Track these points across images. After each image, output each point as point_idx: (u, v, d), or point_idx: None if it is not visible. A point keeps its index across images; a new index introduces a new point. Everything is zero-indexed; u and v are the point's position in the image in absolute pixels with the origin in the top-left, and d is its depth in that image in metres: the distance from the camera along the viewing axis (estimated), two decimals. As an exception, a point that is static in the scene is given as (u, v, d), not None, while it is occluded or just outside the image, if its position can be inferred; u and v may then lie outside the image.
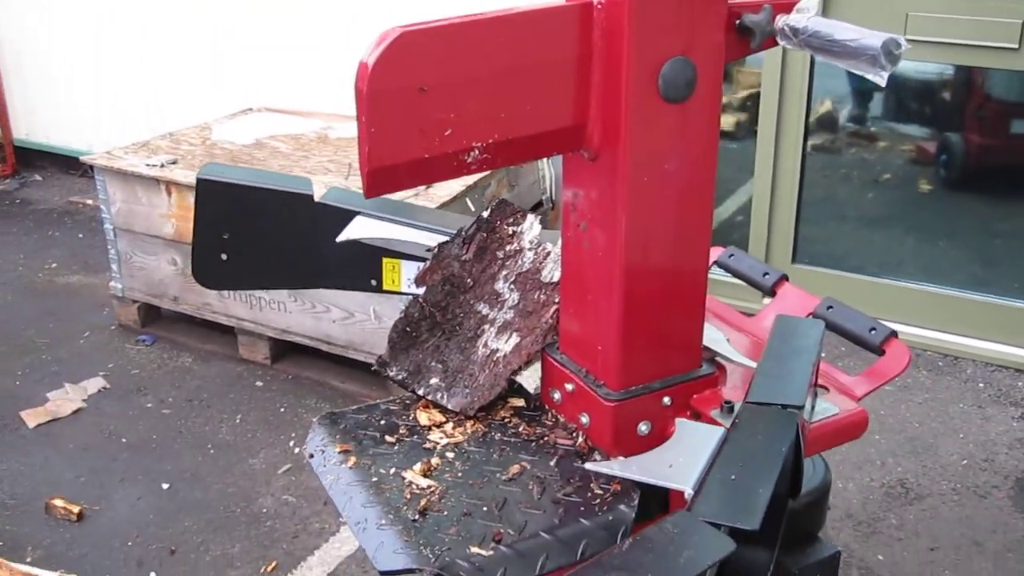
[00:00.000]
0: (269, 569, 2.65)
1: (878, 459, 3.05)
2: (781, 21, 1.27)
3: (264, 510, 2.88)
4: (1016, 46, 3.27)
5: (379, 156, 1.12)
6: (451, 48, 1.13)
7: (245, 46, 4.67)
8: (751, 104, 3.84)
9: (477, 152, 1.18)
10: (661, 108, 1.21)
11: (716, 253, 1.72)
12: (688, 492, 1.05)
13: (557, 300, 1.42)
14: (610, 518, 1.21)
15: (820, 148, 4.05)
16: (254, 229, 1.64)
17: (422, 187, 3.34)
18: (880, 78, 1.17)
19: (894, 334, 1.45)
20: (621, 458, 1.25)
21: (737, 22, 1.27)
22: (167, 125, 4.42)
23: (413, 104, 1.11)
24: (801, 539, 1.57)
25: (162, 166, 3.57)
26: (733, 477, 0.95)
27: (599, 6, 1.18)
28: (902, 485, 2.93)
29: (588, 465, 1.22)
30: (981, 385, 3.43)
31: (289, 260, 1.66)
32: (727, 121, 4.12)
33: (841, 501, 2.86)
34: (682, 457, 1.13)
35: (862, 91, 4.07)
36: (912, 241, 3.98)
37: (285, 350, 3.62)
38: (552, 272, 1.45)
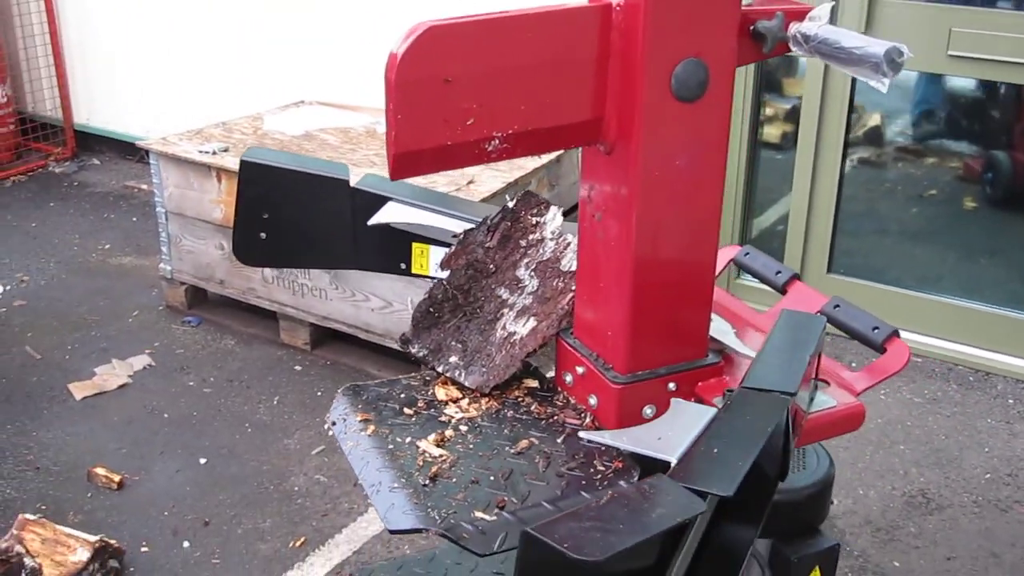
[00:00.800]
0: (298, 544, 2.75)
1: (901, 468, 3.08)
2: (793, 28, 1.32)
3: (296, 488, 2.97)
4: (1059, 65, 3.28)
5: (404, 142, 1.20)
6: (476, 43, 1.20)
7: (300, 40, 4.79)
8: (796, 116, 3.87)
9: (497, 141, 1.25)
10: (673, 106, 1.27)
11: (733, 251, 1.78)
12: (673, 463, 1.12)
13: (573, 288, 1.48)
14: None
15: (866, 161, 4.07)
16: (292, 211, 1.72)
17: (464, 182, 3.42)
18: (882, 84, 1.23)
19: (896, 333, 1.50)
20: (615, 430, 1.31)
21: (751, 27, 1.33)
22: (222, 115, 4.54)
23: (438, 94, 1.19)
24: (802, 530, 1.62)
25: (214, 153, 3.68)
26: (716, 450, 1.02)
27: (617, 8, 1.25)
28: (923, 495, 2.96)
29: (582, 434, 1.29)
30: (1011, 401, 3.44)
31: (324, 241, 1.75)
32: (772, 132, 4.15)
33: (861, 507, 2.90)
34: (672, 432, 1.19)
35: (912, 107, 4.09)
36: (953, 257, 3.98)
37: (325, 336, 3.72)
38: (571, 262, 1.52)
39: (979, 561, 2.69)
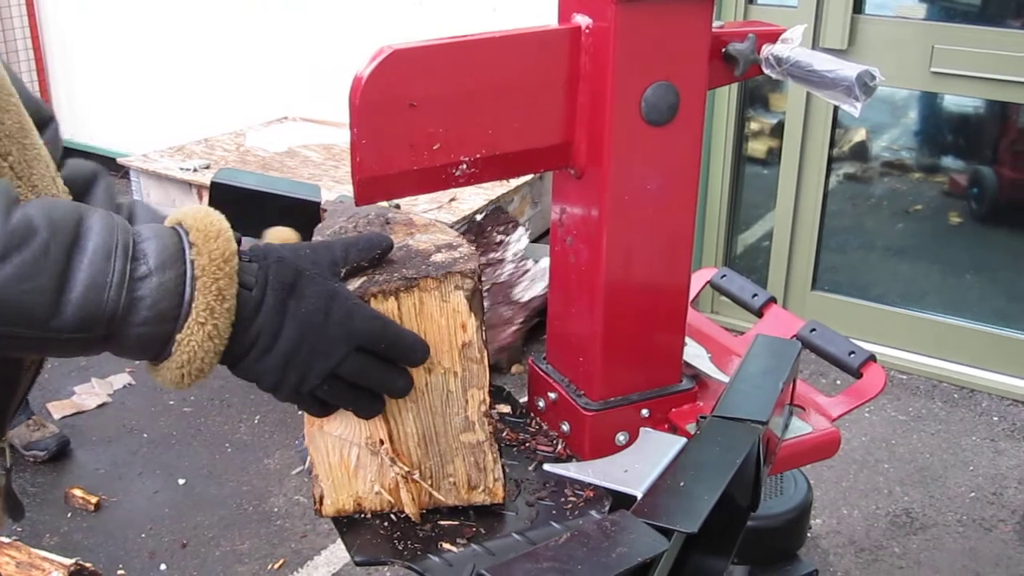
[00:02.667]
0: (277, 567, 2.72)
1: (886, 487, 3.06)
2: (766, 50, 1.31)
3: (275, 509, 2.94)
4: (1041, 82, 3.28)
5: (369, 167, 1.18)
6: (442, 66, 1.18)
7: (284, 56, 4.78)
8: (781, 131, 3.87)
9: (465, 166, 1.23)
10: (644, 130, 1.25)
11: (709, 273, 1.76)
12: (639, 496, 1.09)
13: (519, 321, 1.45)
14: (580, 523, 1.25)
15: (851, 177, 4.07)
16: (263, 233, 1.69)
17: (446, 199, 3.40)
18: (854, 108, 1.21)
19: (872, 357, 1.48)
20: (579, 461, 1.29)
21: (722, 50, 1.31)
22: (206, 131, 4.52)
23: (403, 118, 1.17)
24: (779, 556, 1.60)
25: (195, 170, 3.66)
26: (682, 483, 0.99)
27: (587, 31, 1.23)
28: (908, 514, 2.94)
29: (547, 466, 1.26)
30: (995, 419, 3.43)
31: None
32: (758, 147, 4.15)
33: (845, 528, 2.88)
34: (639, 463, 1.17)
35: (897, 122, 4.09)
36: (938, 273, 3.98)
37: (307, 355, 3.69)
38: (525, 291, 1.49)
39: (963, 581, 2.68)
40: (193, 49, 5.10)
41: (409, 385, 1.08)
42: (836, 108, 3.69)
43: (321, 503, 1.25)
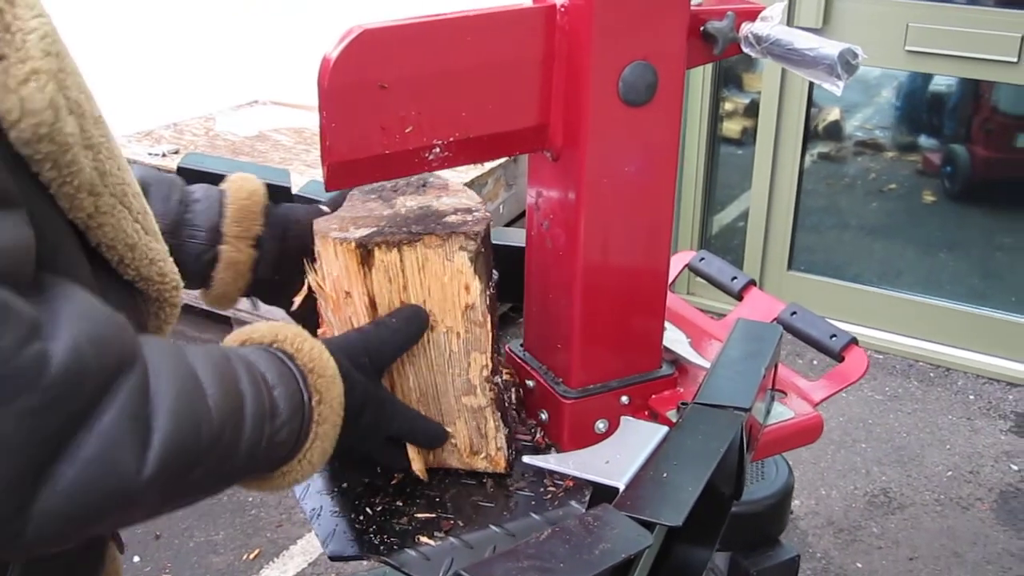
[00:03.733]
0: (252, 557, 2.68)
1: (863, 467, 3.06)
2: (746, 28, 1.28)
3: (250, 499, 2.91)
4: (1015, 59, 3.28)
5: (339, 151, 1.14)
6: (413, 47, 1.14)
7: (254, 38, 4.70)
8: (756, 111, 3.85)
9: (439, 150, 1.20)
10: (621, 111, 1.22)
11: (688, 256, 1.74)
12: (621, 488, 1.07)
13: None
14: (560, 513, 1.23)
15: (825, 157, 4.06)
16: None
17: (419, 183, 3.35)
18: (836, 87, 1.18)
19: (854, 340, 1.47)
20: (559, 453, 1.26)
21: (701, 28, 1.28)
22: (174, 115, 4.45)
23: (374, 101, 1.13)
24: (761, 541, 1.58)
25: (163, 155, 3.60)
26: (665, 475, 0.97)
27: (562, 9, 1.19)
28: (885, 494, 2.94)
29: (525, 458, 1.24)
30: (971, 397, 3.44)
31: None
32: (732, 127, 4.13)
33: (823, 508, 2.88)
34: (620, 454, 1.15)
35: (869, 101, 4.08)
36: (912, 252, 3.98)
37: (280, 341, 3.64)
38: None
39: (941, 560, 2.68)
40: (160, 31, 5.02)
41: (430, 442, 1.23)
42: (811, 87, 3.68)
43: None
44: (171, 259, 0.96)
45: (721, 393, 1.17)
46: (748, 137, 4.02)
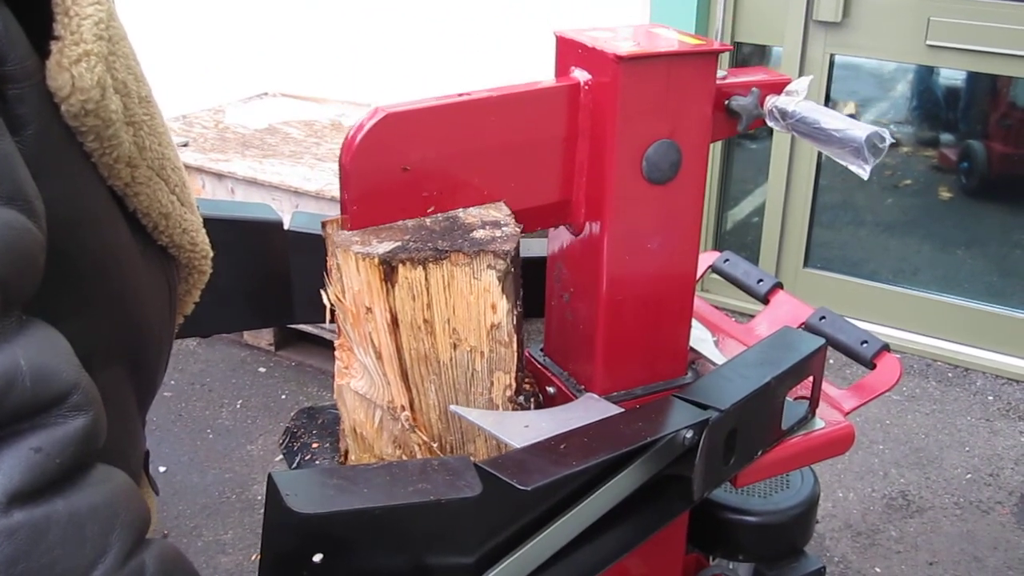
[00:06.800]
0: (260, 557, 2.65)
1: (881, 469, 3.01)
2: (770, 103, 1.24)
3: (259, 497, 2.87)
4: (1039, 55, 3.22)
5: (360, 225, 1.11)
6: (436, 129, 1.11)
7: (264, 29, 4.66)
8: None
9: (459, 224, 1.17)
10: (644, 189, 1.18)
11: (711, 257, 1.69)
12: (514, 447, 1.03)
13: None
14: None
15: (840, 151, 4.00)
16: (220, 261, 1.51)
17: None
18: (863, 171, 1.14)
19: (886, 347, 1.42)
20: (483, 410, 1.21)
21: (725, 103, 1.25)
22: (183, 107, 4.41)
23: (396, 182, 1.10)
24: (785, 552, 1.54)
25: (173, 148, 3.56)
26: (563, 446, 0.95)
27: (586, 87, 1.16)
28: (904, 497, 2.89)
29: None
30: (991, 398, 3.38)
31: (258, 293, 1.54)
32: (746, 121, 4.07)
33: (841, 511, 2.83)
34: (547, 423, 1.10)
35: (885, 96, 4.02)
36: (929, 249, 3.92)
37: (289, 337, 3.61)
38: None
39: (961, 566, 2.63)
40: (169, 22, 4.97)
41: None
42: (829, 81, 3.63)
43: (346, 458, 1.22)
44: (204, 231, 0.98)
45: (707, 391, 1.13)
46: (762, 131, 3.96)
